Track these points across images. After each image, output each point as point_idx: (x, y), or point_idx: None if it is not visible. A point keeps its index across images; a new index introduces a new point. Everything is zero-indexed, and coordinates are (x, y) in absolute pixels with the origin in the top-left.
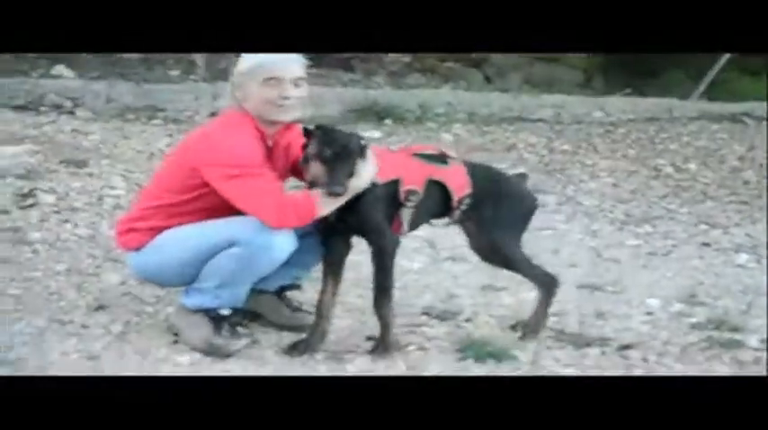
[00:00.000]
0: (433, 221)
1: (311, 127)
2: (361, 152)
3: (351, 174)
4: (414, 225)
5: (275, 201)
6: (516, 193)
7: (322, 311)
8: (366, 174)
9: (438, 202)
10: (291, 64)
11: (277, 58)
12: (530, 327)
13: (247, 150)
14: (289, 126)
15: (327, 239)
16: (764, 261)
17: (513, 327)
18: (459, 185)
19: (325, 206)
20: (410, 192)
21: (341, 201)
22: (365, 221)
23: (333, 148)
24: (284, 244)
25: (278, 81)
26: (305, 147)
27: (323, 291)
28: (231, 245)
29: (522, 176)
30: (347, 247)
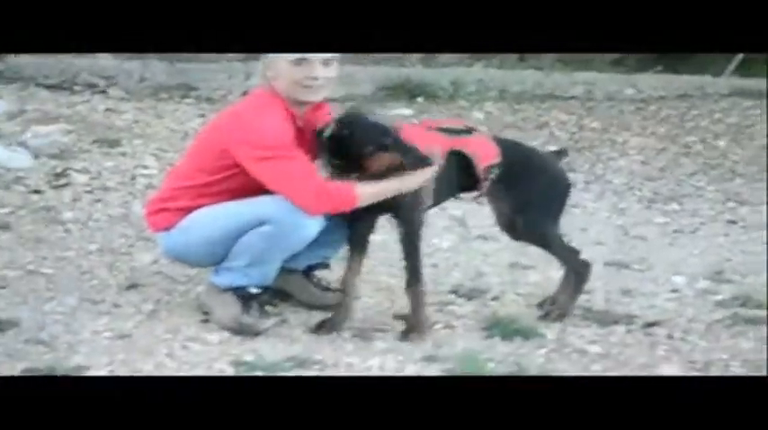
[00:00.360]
0: (464, 197)
1: (328, 131)
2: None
3: None
4: (437, 198)
5: (314, 187)
6: (549, 171)
7: (346, 289)
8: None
9: (462, 174)
10: None
11: None
12: (557, 311)
13: (278, 131)
14: (319, 105)
15: (352, 219)
16: None
17: (540, 305)
18: (484, 154)
19: (367, 199)
20: None
21: (386, 194)
22: (399, 198)
23: (390, 135)
24: (313, 222)
25: (307, 61)
26: (343, 144)
27: (347, 270)
28: (261, 223)
29: (560, 154)
30: (371, 227)
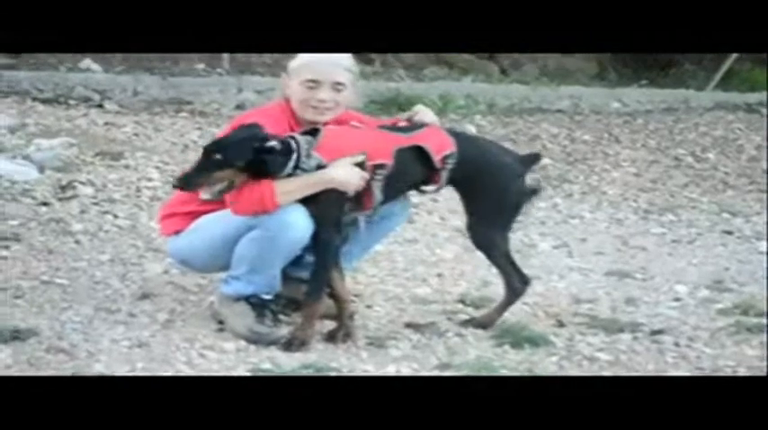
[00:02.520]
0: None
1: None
2: (257, 152)
3: (205, 174)
4: (390, 195)
5: (237, 190)
6: (505, 174)
7: (339, 296)
8: (337, 170)
9: (419, 168)
10: (334, 68)
11: (322, 62)
12: (481, 322)
13: None
14: (342, 118)
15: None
16: None
17: (467, 322)
18: (438, 145)
19: (286, 196)
20: (377, 166)
21: (302, 192)
22: (317, 212)
23: (208, 145)
24: (300, 223)
25: (317, 84)
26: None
27: (331, 280)
28: (251, 229)
29: (532, 158)
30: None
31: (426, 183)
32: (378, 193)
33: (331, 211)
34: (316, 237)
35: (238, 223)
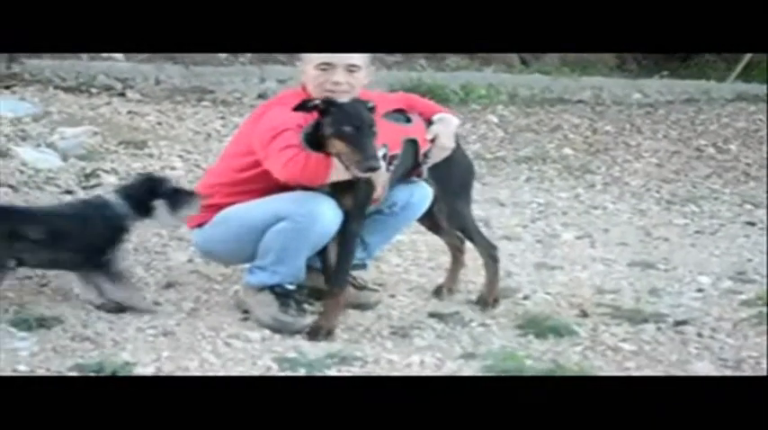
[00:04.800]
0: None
1: (317, 101)
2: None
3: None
4: (390, 186)
5: (285, 156)
6: (463, 156)
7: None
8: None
9: (409, 160)
10: None
11: None
12: (483, 299)
13: (283, 119)
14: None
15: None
16: None
17: (437, 292)
18: (423, 140)
19: (338, 174)
20: (393, 157)
21: (349, 175)
22: (351, 203)
23: (353, 123)
24: (328, 214)
25: (331, 66)
26: (319, 123)
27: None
28: (279, 220)
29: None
30: None
31: (408, 175)
32: (387, 186)
33: (363, 203)
34: (343, 227)
35: (264, 215)
